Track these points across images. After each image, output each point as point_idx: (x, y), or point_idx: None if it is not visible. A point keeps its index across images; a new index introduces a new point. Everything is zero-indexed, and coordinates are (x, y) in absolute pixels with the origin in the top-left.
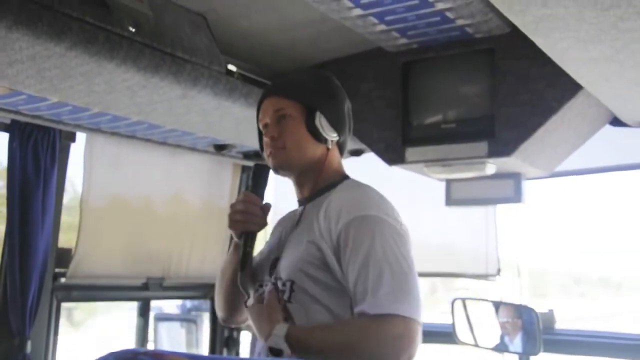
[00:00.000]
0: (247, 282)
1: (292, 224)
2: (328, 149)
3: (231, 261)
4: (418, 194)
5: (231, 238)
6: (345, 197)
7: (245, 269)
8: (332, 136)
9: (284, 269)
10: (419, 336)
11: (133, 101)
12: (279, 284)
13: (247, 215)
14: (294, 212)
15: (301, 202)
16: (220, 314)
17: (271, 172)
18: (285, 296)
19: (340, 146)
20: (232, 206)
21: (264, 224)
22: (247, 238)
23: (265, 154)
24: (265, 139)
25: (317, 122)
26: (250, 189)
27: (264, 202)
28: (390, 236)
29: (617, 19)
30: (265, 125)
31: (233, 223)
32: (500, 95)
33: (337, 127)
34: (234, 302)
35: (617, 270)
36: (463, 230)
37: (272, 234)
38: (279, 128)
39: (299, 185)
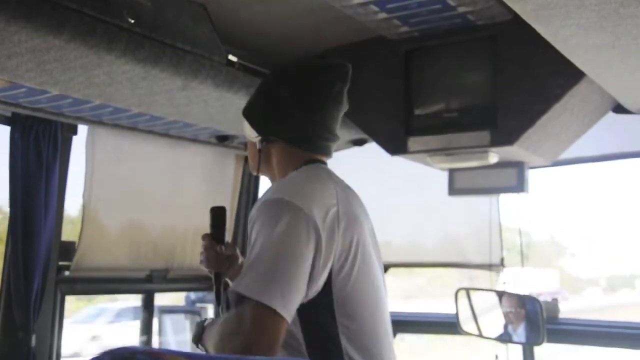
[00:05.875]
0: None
1: None
2: (259, 150)
3: None
4: (421, 184)
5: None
6: None
7: (220, 304)
8: (252, 137)
9: None
10: (267, 323)
11: (133, 93)
12: None
13: (206, 258)
14: None
15: None
16: None
17: None
18: None
19: (291, 138)
20: None
21: (222, 265)
22: (215, 276)
23: None
24: None
25: (246, 130)
26: (210, 232)
27: (221, 244)
28: (272, 217)
29: (618, 5)
30: None
31: (201, 262)
32: (503, 83)
33: (259, 123)
34: None
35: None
36: (466, 220)
37: None
38: None
39: None
